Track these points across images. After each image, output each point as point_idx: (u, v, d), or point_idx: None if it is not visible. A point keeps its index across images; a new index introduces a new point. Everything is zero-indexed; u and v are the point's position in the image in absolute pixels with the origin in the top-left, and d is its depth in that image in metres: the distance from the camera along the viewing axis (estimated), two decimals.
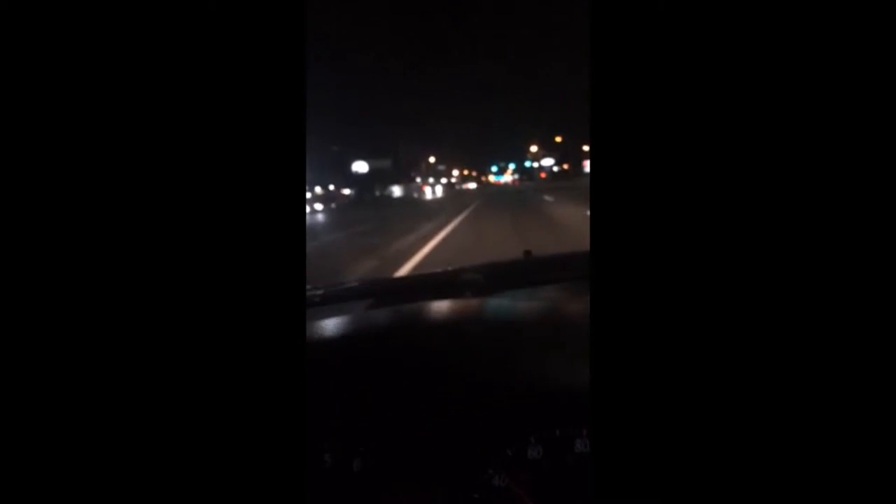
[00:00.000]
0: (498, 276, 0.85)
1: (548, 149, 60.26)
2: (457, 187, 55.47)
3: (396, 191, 48.48)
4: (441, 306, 0.64)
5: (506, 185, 64.70)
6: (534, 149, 66.13)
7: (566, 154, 50.82)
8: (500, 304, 0.68)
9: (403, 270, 4.43)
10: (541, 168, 60.13)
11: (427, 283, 0.92)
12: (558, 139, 55.00)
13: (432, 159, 58.37)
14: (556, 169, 57.07)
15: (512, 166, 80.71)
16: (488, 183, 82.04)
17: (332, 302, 0.85)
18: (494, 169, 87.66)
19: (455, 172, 74.90)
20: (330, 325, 0.56)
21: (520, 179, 69.14)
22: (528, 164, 69.88)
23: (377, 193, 45.87)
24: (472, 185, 57.90)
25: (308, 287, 0.92)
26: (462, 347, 0.48)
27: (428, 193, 43.63)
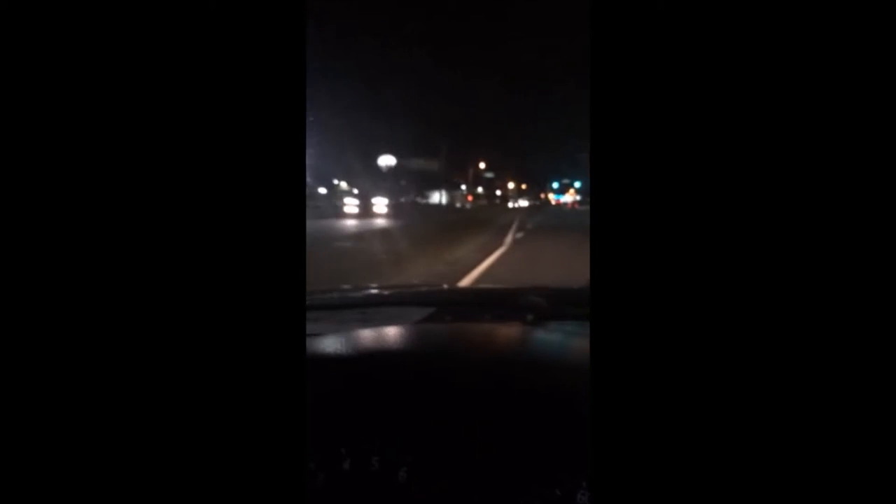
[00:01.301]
0: (564, 302, 0.78)
1: None
2: (485, 201, 46.69)
3: (435, 197, 41.21)
4: (496, 328, 0.63)
5: (563, 206, 55.50)
6: None
7: None
8: (560, 334, 0.64)
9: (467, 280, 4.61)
10: None
11: (488, 299, 0.89)
12: None
13: (482, 165, 49.85)
14: None
15: (578, 185, 70.30)
16: (546, 202, 73.41)
17: (395, 305, 0.87)
18: (556, 185, 77.76)
19: (511, 186, 66.54)
20: (390, 334, 0.58)
21: (582, 202, 59.99)
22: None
23: (420, 200, 38.89)
24: (521, 203, 47.89)
25: (374, 285, 1.00)
26: (504, 377, 0.46)
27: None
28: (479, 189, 52.01)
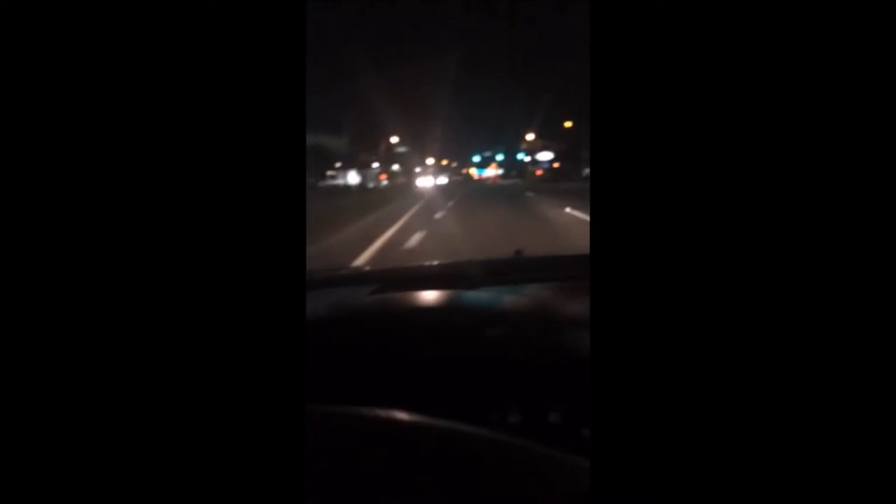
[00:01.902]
0: (491, 273, 0.90)
1: (550, 138, 42.20)
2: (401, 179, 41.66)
3: (352, 178, 36.11)
4: (439, 296, 0.73)
5: (485, 181, 51.98)
6: (530, 137, 45.47)
7: (576, 147, 36.23)
8: (493, 296, 0.75)
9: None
10: (536, 164, 43.80)
11: (426, 275, 0.97)
12: (568, 124, 36.57)
13: (394, 139, 44.70)
14: (556, 165, 40.56)
15: (501, 157, 67.33)
16: (469, 177, 70.22)
17: (336, 286, 0.91)
18: (477, 159, 74.41)
19: (430, 161, 62.52)
20: (335, 306, 0.67)
21: (506, 176, 57.19)
22: (520, 156, 53.11)
23: (324, 181, 33.57)
24: (440, 180, 41.01)
25: (311, 270, 0.99)
26: (456, 332, 0.56)
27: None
28: (396, 166, 47.46)
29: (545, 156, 41.94)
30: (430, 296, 0.73)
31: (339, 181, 34.75)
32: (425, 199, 13.91)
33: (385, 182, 38.57)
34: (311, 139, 30.42)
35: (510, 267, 0.99)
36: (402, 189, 25.82)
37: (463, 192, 20.17)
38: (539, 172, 40.68)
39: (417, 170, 50.14)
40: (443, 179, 41.32)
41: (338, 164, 38.02)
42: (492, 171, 66.79)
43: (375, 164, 37.45)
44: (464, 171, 75.39)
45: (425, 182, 34.51)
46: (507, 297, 0.75)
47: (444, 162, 75.21)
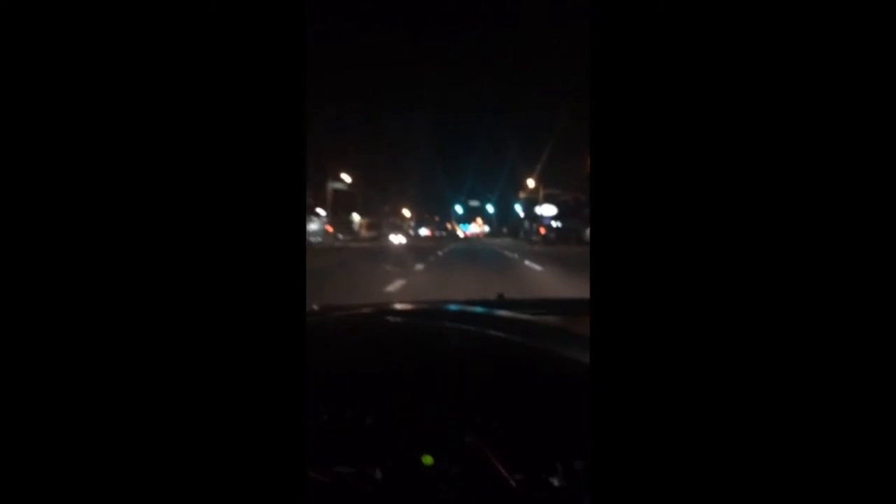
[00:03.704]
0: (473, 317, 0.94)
1: (556, 185, 31.24)
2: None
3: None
4: (428, 327, 0.75)
5: (471, 238, 43.58)
6: (531, 184, 33.99)
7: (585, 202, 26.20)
8: (474, 330, 0.78)
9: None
10: (537, 219, 32.36)
11: (412, 312, 1.01)
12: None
13: (347, 177, 33.77)
14: (558, 225, 29.12)
15: (491, 209, 57.40)
16: (453, 233, 60.79)
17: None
18: (460, 211, 64.89)
19: (408, 214, 52.96)
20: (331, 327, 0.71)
21: (494, 234, 47.55)
22: (518, 206, 42.30)
23: None
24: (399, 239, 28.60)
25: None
26: (447, 355, 0.62)
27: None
28: (357, 217, 37.49)
29: (548, 210, 31.61)
30: (418, 326, 0.75)
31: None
32: None
33: (340, 237, 28.50)
34: None
35: (498, 305, 1.04)
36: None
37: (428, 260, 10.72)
38: (542, 230, 30.35)
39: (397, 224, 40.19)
40: (400, 238, 28.76)
41: None
42: (476, 228, 59.12)
43: (320, 211, 27.20)
44: (448, 225, 66.54)
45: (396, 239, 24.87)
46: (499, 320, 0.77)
47: (427, 215, 65.70)
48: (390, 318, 0.74)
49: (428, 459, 0.53)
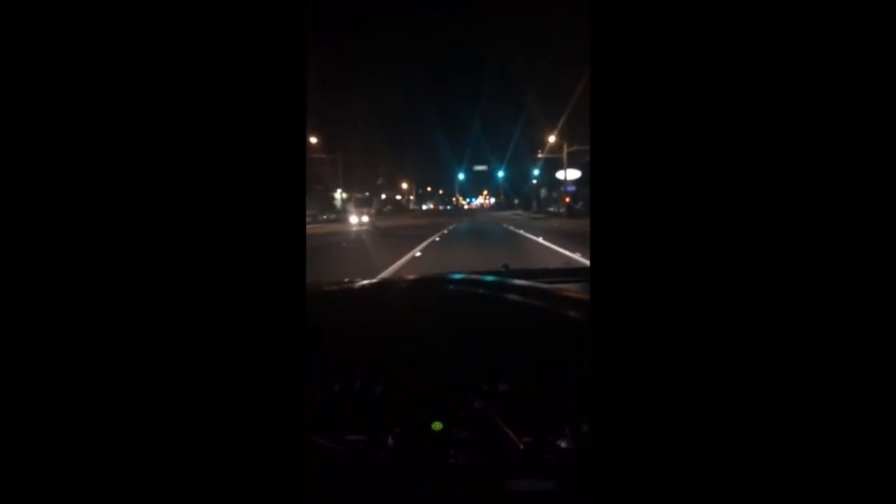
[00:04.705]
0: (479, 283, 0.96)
1: (585, 141, 22.15)
2: None
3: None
4: (435, 293, 0.80)
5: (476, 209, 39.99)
6: (553, 140, 24.95)
7: None
8: (481, 294, 0.81)
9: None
10: (559, 184, 25.74)
11: (418, 282, 1.02)
12: None
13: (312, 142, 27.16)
14: (568, 199, 23.18)
15: (500, 173, 48.58)
16: (458, 206, 54.97)
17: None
18: (461, 177, 58.05)
19: (405, 186, 46.92)
20: (332, 300, 0.74)
21: (501, 205, 41.57)
22: (535, 172, 34.11)
23: None
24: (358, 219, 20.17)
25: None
26: (454, 318, 0.66)
27: None
28: (342, 194, 31.84)
29: (573, 174, 25.10)
30: (424, 294, 0.80)
31: None
32: None
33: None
34: None
35: (503, 275, 1.09)
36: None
37: None
38: (566, 199, 24.19)
39: (399, 197, 33.74)
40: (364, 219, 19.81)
41: None
42: (481, 199, 55.01)
43: None
44: (454, 199, 60.97)
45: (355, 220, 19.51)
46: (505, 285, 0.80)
47: (430, 188, 59.70)
48: (398, 286, 0.80)
49: (437, 425, 0.55)
